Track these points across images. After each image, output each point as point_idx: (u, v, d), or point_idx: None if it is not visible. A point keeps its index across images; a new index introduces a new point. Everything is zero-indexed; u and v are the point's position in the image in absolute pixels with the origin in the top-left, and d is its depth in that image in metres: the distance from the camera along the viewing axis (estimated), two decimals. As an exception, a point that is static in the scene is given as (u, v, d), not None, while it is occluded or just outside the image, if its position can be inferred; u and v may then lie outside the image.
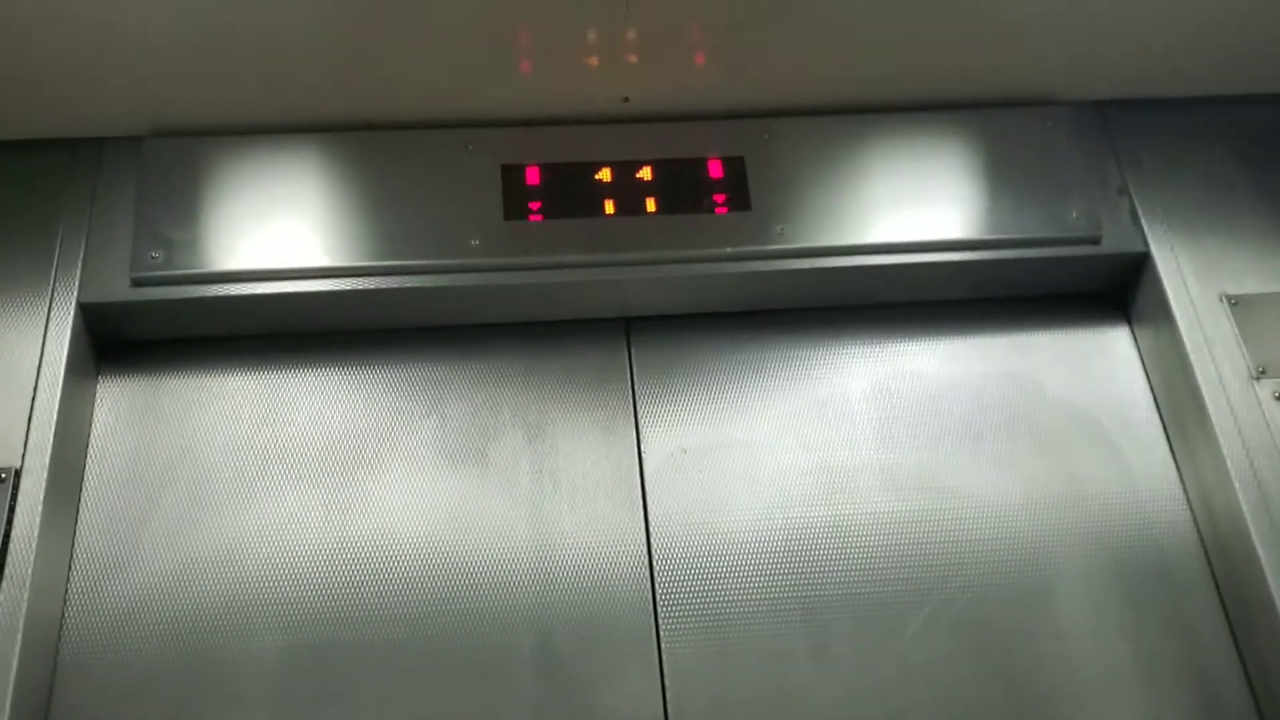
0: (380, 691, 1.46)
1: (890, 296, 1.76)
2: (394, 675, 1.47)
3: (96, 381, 1.61)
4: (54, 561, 1.46)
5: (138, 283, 1.56)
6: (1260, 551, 1.50)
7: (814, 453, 1.66)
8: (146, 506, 1.54)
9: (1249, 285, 1.69)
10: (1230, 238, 1.73)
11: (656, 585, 1.55)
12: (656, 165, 1.69)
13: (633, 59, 1.63)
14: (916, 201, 1.70)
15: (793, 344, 1.74)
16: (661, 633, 1.52)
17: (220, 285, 1.58)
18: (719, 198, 1.68)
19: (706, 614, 1.54)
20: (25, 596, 1.36)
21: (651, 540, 1.58)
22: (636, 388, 1.70)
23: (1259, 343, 1.64)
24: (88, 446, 1.57)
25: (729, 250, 1.65)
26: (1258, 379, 1.61)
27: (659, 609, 1.54)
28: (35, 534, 1.40)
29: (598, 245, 1.64)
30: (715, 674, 1.50)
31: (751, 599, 1.55)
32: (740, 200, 1.68)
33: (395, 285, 1.60)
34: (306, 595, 1.51)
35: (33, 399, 1.48)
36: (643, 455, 1.65)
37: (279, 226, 1.61)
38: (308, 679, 1.46)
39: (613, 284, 1.65)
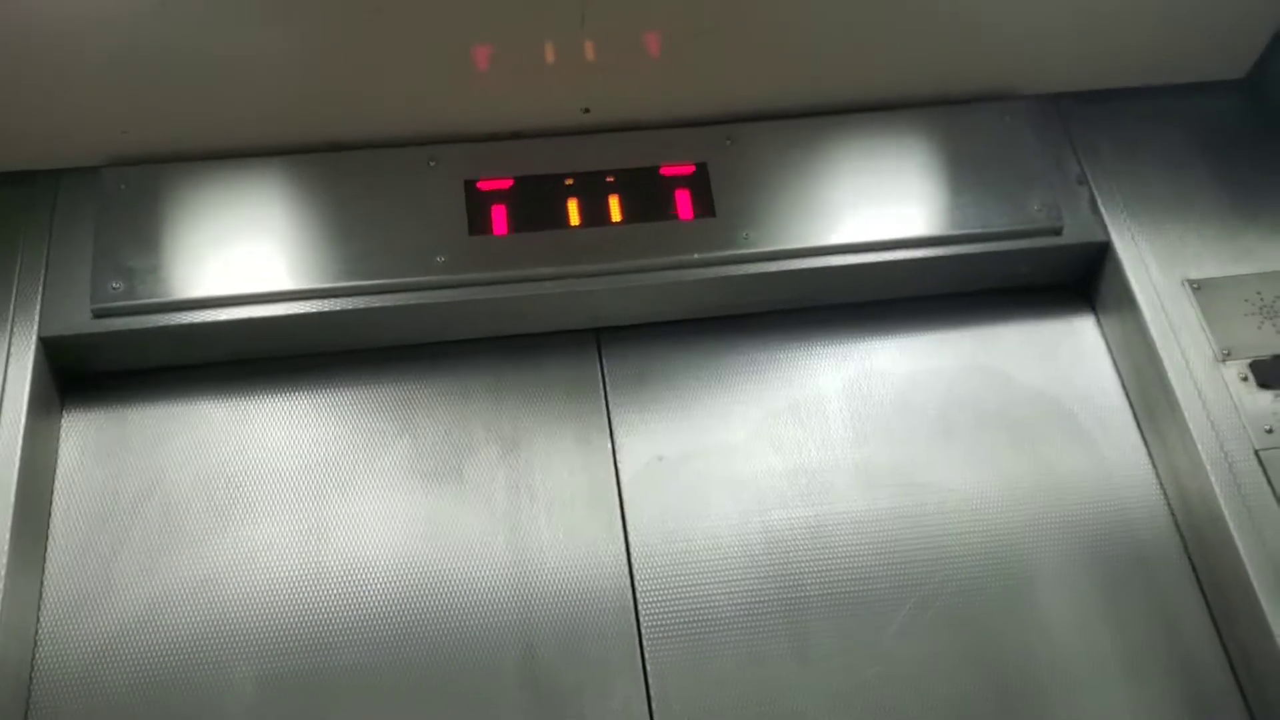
0: (364, 716, 1.44)
1: (858, 296, 1.77)
2: (377, 699, 1.45)
3: (61, 416, 1.59)
4: (23, 601, 1.43)
5: (99, 314, 1.54)
6: (1235, 533, 1.51)
7: (789, 455, 1.66)
8: (117, 541, 1.51)
9: (1210, 269, 1.71)
10: (1189, 223, 1.75)
11: (638, 594, 1.54)
12: (620, 175, 1.69)
13: (592, 71, 1.63)
14: (880, 200, 1.71)
15: (763, 347, 1.74)
16: (645, 641, 1.51)
17: (184, 313, 1.56)
18: (683, 205, 1.68)
19: (689, 620, 1.53)
20: (-7, 638, 1.34)
21: (631, 549, 1.58)
22: (610, 398, 1.69)
23: (1222, 325, 1.66)
24: (54, 482, 1.54)
25: (696, 257, 1.65)
26: (1223, 361, 1.63)
27: (641, 618, 1.53)
28: (2, 574, 1.37)
29: (564, 257, 1.63)
30: (700, 679, 1.49)
31: (733, 603, 1.54)
32: (705, 206, 1.68)
33: (362, 305, 1.59)
34: (284, 623, 1.49)
35: (-9, 436, 1.45)
36: (619, 465, 1.64)
37: (242, 251, 1.59)
38: (288, 707, 1.44)
39: (581, 295, 1.65)
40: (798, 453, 1.66)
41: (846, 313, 1.77)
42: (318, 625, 1.49)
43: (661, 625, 1.52)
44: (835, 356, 1.75)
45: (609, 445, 1.65)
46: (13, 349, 1.51)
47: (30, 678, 1.42)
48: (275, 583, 1.51)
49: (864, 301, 1.78)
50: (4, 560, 1.38)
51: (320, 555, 1.54)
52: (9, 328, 1.52)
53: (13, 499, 1.41)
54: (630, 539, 1.58)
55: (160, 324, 1.55)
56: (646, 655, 1.50)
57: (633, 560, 1.57)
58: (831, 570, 1.58)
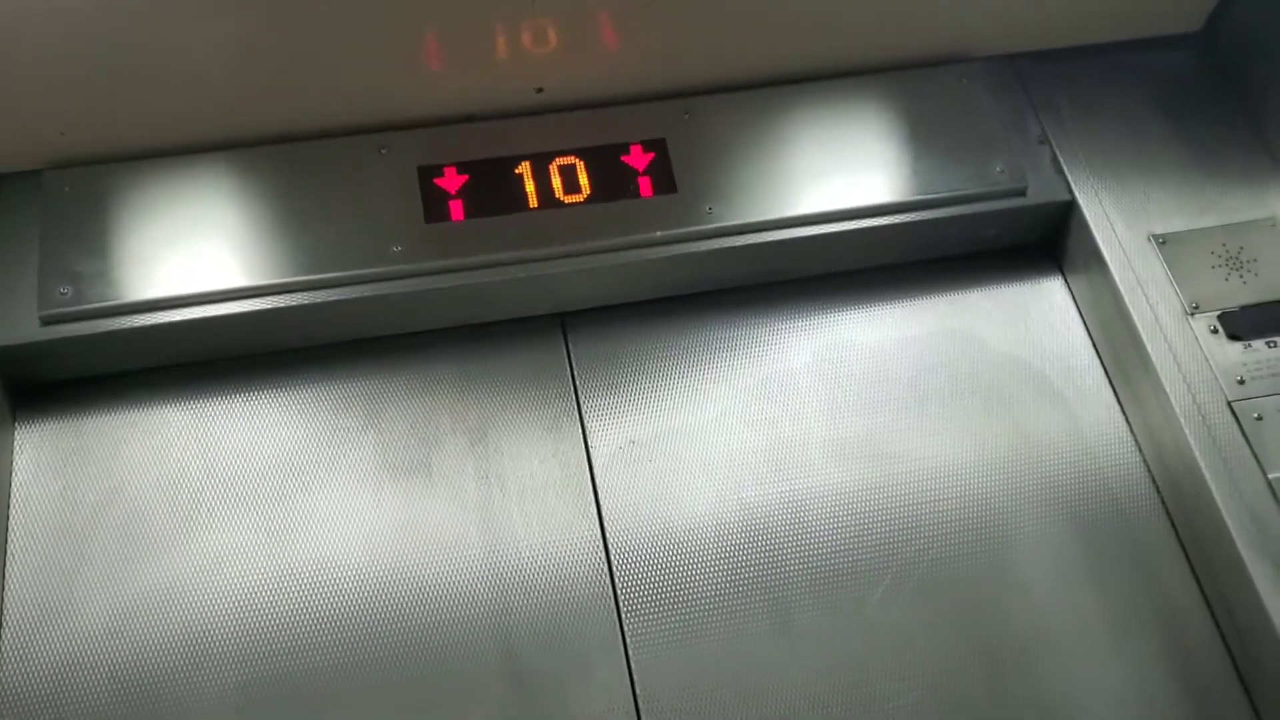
0: (342, 719, 1.41)
1: (824, 267, 1.75)
2: (355, 700, 1.43)
3: (14, 427, 1.54)
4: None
5: (47, 320, 1.50)
6: (1211, 485, 1.50)
7: (762, 431, 1.64)
8: (78, 552, 1.48)
9: (1175, 224, 1.70)
10: (1152, 179, 1.75)
11: (616, 578, 1.52)
12: (577, 154, 1.65)
13: (543, 50, 1.60)
14: (842, 169, 1.69)
15: (731, 323, 1.72)
16: (625, 625, 1.49)
17: (135, 316, 1.52)
18: (643, 182, 1.65)
19: (668, 602, 1.51)
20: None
21: (607, 535, 1.55)
22: (578, 382, 1.67)
23: (1189, 279, 1.65)
24: (10, 496, 1.50)
25: (659, 234, 1.63)
26: (1192, 315, 1.62)
27: (620, 602, 1.51)
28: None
29: (524, 241, 1.60)
30: (683, 661, 1.47)
31: (712, 582, 1.52)
32: (665, 183, 1.65)
33: (319, 300, 1.55)
34: (254, 627, 1.45)
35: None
36: (590, 450, 1.61)
37: (193, 249, 1.55)
38: (263, 714, 1.41)
39: (543, 279, 1.62)
40: (771, 428, 1.64)
41: (814, 285, 1.75)
42: (288, 628, 1.46)
43: (641, 609, 1.50)
44: (804, 329, 1.73)
45: (579, 430, 1.63)
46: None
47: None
48: (244, 587, 1.48)
49: (831, 272, 1.76)
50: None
51: (289, 556, 1.50)
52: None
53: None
54: (605, 524, 1.56)
55: (111, 328, 1.51)
56: (628, 640, 1.48)
57: (609, 545, 1.55)
58: (810, 545, 1.56)
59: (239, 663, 1.43)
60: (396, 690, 1.44)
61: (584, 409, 1.65)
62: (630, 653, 1.48)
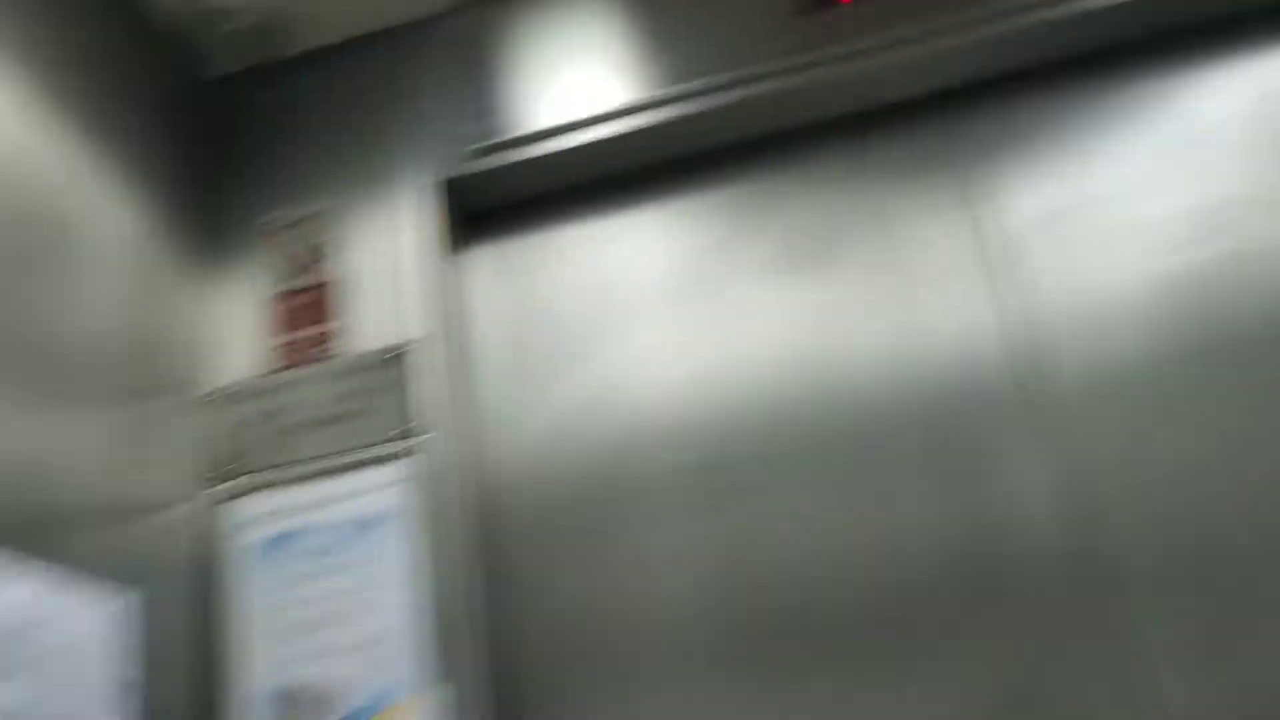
0: (773, 493, 1.49)
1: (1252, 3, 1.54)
2: (783, 478, 1.50)
3: (464, 250, 1.74)
4: (466, 414, 1.61)
5: (479, 153, 1.66)
6: None
7: (1183, 193, 1.50)
8: (533, 354, 1.65)
9: None
10: None
11: (1034, 361, 1.48)
12: (954, -83, 1.54)
13: None
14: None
15: (1142, 79, 1.57)
16: (1048, 399, 1.45)
17: (547, 141, 1.65)
18: (1032, -63, 1.52)
19: (1093, 374, 1.45)
20: (452, 446, 1.53)
21: (1016, 313, 1.50)
22: (977, 161, 1.60)
23: None
24: (470, 310, 1.70)
25: (1050, -8, 1.50)
26: None
27: (1043, 379, 1.47)
28: (447, 393, 1.56)
29: (900, 20, 1.55)
30: (1110, 447, 1.42)
31: (1143, 357, 1.44)
32: (1057, -66, 1.51)
33: (703, 107, 1.61)
34: (690, 415, 1.56)
35: (414, 277, 1.61)
36: (997, 227, 1.56)
37: (578, 74, 1.67)
38: (703, 492, 1.52)
39: (923, 58, 1.56)
40: (1192, 190, 1.50)
41: (1237, 27, 1.55)
42: (718, 416, 1.55)
43: (1063, 383, 1.46)
44: (1226, 79, 1.54)
45: (982, 210, 1.57)
46: (414, 195, 1.66)
47: (483, 473, 1.59)
48: (671, 382, 1.58)
49: (1257, 8, 1.54)
50: (445, 381, 1.56)
51: (710, 352, 1.59)
52: (407, 176, 1.67)
53: (441, 328, 1.59)
54: (1015, 302, 1.51)
55: (531, 155, 1.66)
56: (1049, 413, 1.45)
57: (1023, 324, 1.50)
58: (1245, 310, 1.43)
59: (679, 446, 1.55)
60: (819, 470, 1.49)
61: (986, 186, 1.58)
62: (1053, 426, 1.44)
